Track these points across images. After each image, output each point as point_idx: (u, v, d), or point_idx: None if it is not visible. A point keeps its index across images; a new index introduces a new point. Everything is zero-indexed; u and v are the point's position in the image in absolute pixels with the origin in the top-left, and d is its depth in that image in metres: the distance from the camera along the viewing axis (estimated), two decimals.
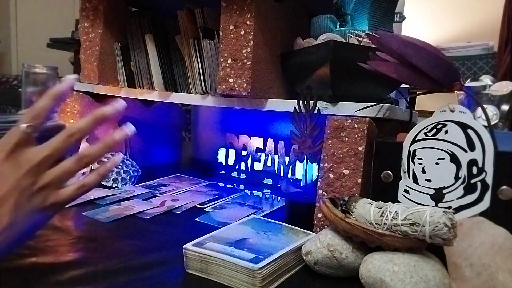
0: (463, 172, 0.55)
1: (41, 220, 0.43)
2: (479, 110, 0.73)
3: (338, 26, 0.84)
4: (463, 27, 2.49)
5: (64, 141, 0.43)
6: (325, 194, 0.67)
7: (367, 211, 0.53)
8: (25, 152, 0.41)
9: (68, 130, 0.44)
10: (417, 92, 1.39)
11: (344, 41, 0.76)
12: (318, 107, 0.70)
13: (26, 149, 0.41)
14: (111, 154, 0.70)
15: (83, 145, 0.96)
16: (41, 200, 0.42)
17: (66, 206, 0.77)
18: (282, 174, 1.08)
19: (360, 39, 0.75)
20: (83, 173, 0.91)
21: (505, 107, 0.79)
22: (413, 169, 0.60)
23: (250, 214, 0.79)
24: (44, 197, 0.42)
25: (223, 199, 0.92)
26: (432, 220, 0.47)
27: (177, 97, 0.97)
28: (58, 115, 0.49)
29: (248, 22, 0.77)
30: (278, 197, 0.97)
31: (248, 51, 0.78)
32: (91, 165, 0.94)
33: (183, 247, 0.54)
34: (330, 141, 0.68)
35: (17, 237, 0.41)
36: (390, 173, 0.62)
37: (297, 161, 0.77)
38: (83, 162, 0.44)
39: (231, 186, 1.06)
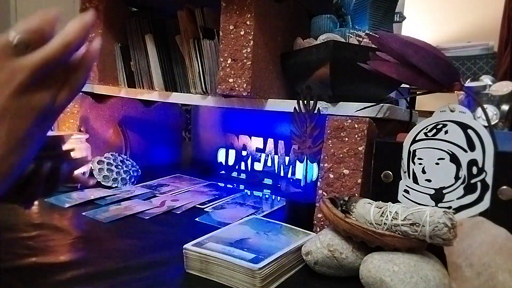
0: (463, 172, 0.55)
1: (37, 140, 0.37)
2: (479, 110, 0.73)
3: (338, 26, 0.84)
4: (463, 27, 2.49)
5: (58, 50, 0.35)
6: (325, 194, 0.67)
7: (367, 211, 0.53)
8: (11, 63, 0.33)
9: (62, 36, 0.35)
10: (417, 92, 1.39)
11: (344, 41, 0.76)
12: (318, 107, 0.70)
13: (12, 61, 0.33)
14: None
15: (83, 145, 0.96)
16: (36, 120, 0.35)
17: (66, 206, 0.78)
18: (282, 174, 1.08)
19: (360, 39, 0.75)
20: (83, 173, 0.91)
21: (505, 107, 0.79)
22: (413, 169, 0.60)
23: (250, 214, 0.79)
24: (38, 115, 0.35)
25: (223, 199, 0.92)
26: (432, 220, 0.47)
27: (177, 97, 0.97)
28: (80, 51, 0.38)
29: (248, 22, 0.77)
30: (278, 197, 0.97)
31: (248, 51, 0.78)
32: (90, 167, 0.94)
33: (183, 247, 0.54)
34: (330, 141, 0.68)
35: (14, 170, 0.35)
36: (390, 173, 0.62)
37: (297, 161, 0.77)
38: (68, 47, 0.35)
39: (231, 186, 1.06)
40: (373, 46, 0.66)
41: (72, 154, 0.52)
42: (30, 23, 0.35)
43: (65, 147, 0.51)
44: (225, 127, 1.27)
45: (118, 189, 0.93)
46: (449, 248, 0.48)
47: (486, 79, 0.86)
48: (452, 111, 0.59)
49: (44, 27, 0.35)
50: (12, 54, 0.33)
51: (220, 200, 0.91)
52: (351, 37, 0.77)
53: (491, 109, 0.79)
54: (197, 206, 0.85)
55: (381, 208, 0.52)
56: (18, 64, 0.33)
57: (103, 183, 0.93)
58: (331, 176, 0.67)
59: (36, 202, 0.80)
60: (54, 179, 0.46)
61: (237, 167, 1.18)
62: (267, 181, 1.10)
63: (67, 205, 0.79)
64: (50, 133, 0.49)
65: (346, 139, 0.66)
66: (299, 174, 1.05)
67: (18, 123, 0.34)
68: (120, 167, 0.99)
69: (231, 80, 0.80)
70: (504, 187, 0.52)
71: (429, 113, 0.62)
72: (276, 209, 0.86)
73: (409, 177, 0.60)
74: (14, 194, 0.46)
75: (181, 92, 0.97)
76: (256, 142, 1.14)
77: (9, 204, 0.48)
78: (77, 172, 0.52)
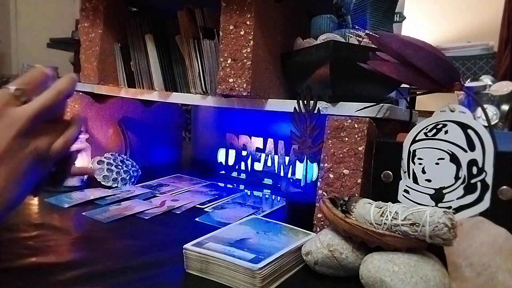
0: (463, 172, 0.55)
1: (35, 178, 0.42)
2: (479, 110, 0.72)
3: (338, 26, 0.84)
4: (463, 27, 2.49)
5: (53, 98, 0.41)
6: (325, 194, 0.67)
7: (367, 211, 0.53)
8: (13, 111, 0.39)
9: (56, 86, 0.42)
10: (417, 92, 1.39)
11: (344, 41, 0.76)
12: (318, 107, 0.70)
13: (14, 109, 0.39)
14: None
15: (83, 145, 0.96)
16: (33, 162, 0.40)
17: (66, 206, 0.78)
18: (282, 174, 1.08)
19: (360, 39, 0.75)
20: (82, 181, 0.91)
21: (505, 107, 0.79)
22: (413, 169, 0.60)
23: (250, 214, 0.79)
24: (36, 158, 0.40)
25: (223, 199, 0.92)
26: (432, 220, 0.47)
27: (177, 97, 0.97)
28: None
29: (248, 22, 0.77)
30: (278, 197, 0.97)
31: (248, 51, 0.78)
32: (90, 167, 0.94)
33: (183, 247, 0.54)
34: (330, 141, 0.68)
35: (10, 204, 0.39)
36: (390, 173, 0.62)
37: (297, 161, 0.77)
38: (61, 95, 0.42)
39: (231, 186, 1.06)
40: (373, 46, 0.66)
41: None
42: (26, 77, 0.41)
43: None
44: (225, 127, 1.27)
45: (118, 189, 0.93)
46: (449, 248, 0.48)
47: (486, 79, 0.86)
48: (452, 111, 0.59)
49: (37, 80, 0.42)
50: (13, 104, 0.39)
51: (220, 200, 0.91)
52: (351, 37, 0.77)
53: (491, 109, 0.79)
54: (197, 206, 0.85)
55: (381, 208, 0.52)
56: (19, 111, 0.39)
57: (103, 183, 0.93)
58: (331, 176, 0.67)
59: (36, 202, 0.80)
60: (62, 171, 0.49)
61: (237, 167, 1.18)
62: (267, 181, 1.10)
63: (67, 205, 0.79)
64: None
65: (346, 139, 0.66)
66: (299, 174, 1.05)
67: (17, 164, 0.39)
68: (120, 167, 0.99)
69: (231, 80, 0.80)
70: (504, 187, 0.52)
71: (429, 113, 0.62)
72: (276, 209, 0.86)
73: (409, 177, 0.60)
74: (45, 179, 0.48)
75: (181, 92, 0.97)
76: (256, 142, 1.15)
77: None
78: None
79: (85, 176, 0.92)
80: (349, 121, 0.66)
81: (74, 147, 0.47)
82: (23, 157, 0.39)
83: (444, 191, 0.57)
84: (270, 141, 1.11)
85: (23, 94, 0.40)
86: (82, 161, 0.94)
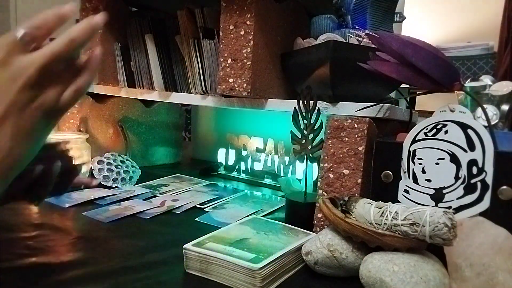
0: (463, 172, 0.55)
1: (43, 134, 0.38)
2: (479, 110, 0.72)
3: (338, 26, 0.84)
4: (463, 27, 2.49)
5: (64, 46, 0.36)
6: (325, 194, 0.67)
7: (367, 211, 0.53)
8: (19, 60, 0.34)
9: (68, 33, 0.36)
10: (417, 92, 1.39)
11: (344, 41, 0.76)
12: (318, 107, 0.70)
13: (20, 57, 0.35)
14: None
15: (83, 145, 0.96)
16: (42, 116, 0.36)
17: (66, 206, 0.78)
18: (282, 174, 1.08)
19: (360, 39, 0.75)
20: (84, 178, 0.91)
21: (505, 107, 0.79)
22: (413, 169, 0.60)
23: (250, 214, 0.79)
24: (45, 112, 0.36)
25: (223, 199, 0.92)
26: (432, 220, 0.47)
27: (177, 97, 0.97)
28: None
29: (248, 22, 0.77)
30: (278, 197, 0.97)
31: (248, 51, 0.78)
32: (90, 167, 0.94)
33: (183, 247, 0.54)
34: (330, 141, 0.68)
35: (17, 164, 0.36)
36: (390, 173, 0.62)
37: (297, 161, 0.77)
38: (73, 43, 0.36)
39: (231, 186, 1.06)
40: (373, 46, 0.66)
41: (70, 153, 0.53)
42: (34, 20, 0.36)
43: (63, 146, 0.52)
44: (225, 127, 1.27)
45: (118, 189, 0.93)
46: (449, 248, 0.48)
47: (486, 79, 0.86)
48: (452, 111, 0.59)
49: (47, 23, 0.36)
50: (20, 51, 0.35)
51: (220, 200, 0.91)
52: (351, 37, 0.77)
53: (491, 109, 0.79)
54: (197, 206, 0.85)
55: (381, 208, 0.52)
56: (27, 60, 0.34)
57: (103, 183, 0.93)
58: (331, 176, 0.67)
59: None
60: (65, 180, 0.48)
61: (237, 167, 1.18)
62: (267, 181, 1.10)
63: (67, 205, 0.79)
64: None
65: (346, 139, 0.66)
66: (299, 174, 1.05)
67: (25, 118, 0.35)
68: (120, 167, 0.99)
69: (231, 80, 0.80)
70: (504, 187, 0.52)
71: (429, 113, 0.62)
72: (276, 209, 0.86)
73: (409, 177, 0.60)
74: (23, 192, 0.47)
75: (181, 92, 0.97)
76: (256, 142, 1.15)
77: (17, 202, 0.49)
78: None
79: (85, 176, 0.92)
80: (349, 121, 0.66)
81: (79, 160, 0.46)
82: (31, 112, 0.35)
83: (444, 191, 0.57)
84: (270, 141, 1.11)
85: (32, 39, 0.35)
86: (81, 160, 0.94)
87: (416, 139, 0.60)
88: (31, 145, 0.37)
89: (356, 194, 0.64)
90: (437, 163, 0.57)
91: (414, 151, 0.60)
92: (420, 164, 0.59)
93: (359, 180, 0.65)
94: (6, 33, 0.35)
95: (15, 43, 0.35)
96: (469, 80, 0.89)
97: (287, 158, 1.07)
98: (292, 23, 0.91)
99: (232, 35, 0.79)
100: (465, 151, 0.55)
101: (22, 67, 0.34)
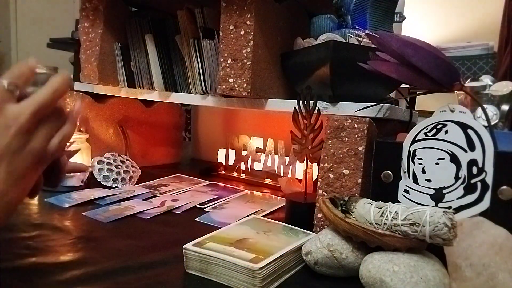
0: (463, 172, 0.55)
1: (32, 179, 0.41)
2: (479, 110, 0.72)
3: (338, 26, 0.84)
4: (463, 27, 2.49)
5: (50, 96, 0.40)
6: (325, 194, 0.67)
7: (367, 211, 0.53)
8: (10, 109, 0.38)
9: (51, 84, 0.41)
10: (417, 92, 1.39)
11: (344, 41, 0.76)
12: (318, 107, 0.70)
13: (10, 106, 0.38)
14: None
15: (83, 145, 0.96)
16: (31, 161, 0.39)
17: (66, 206, 0.78)
18: (282, 174, 1.08)
19: (360, 39, 0.75)
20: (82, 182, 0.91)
21: (505, 107, 0.79)
22: (413, 169, 0.60)
23: (250, 214, 0.79)
24: (34, 157, 0.39)
25: (223, 199, 0.92)
26: (432, 220, 0.47)
27: (177, 97, 0.97)
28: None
29: (248, 22, 0.77)
30: (278, 197, 0.97)
31: (248, 51, 0.78)
32: (85, 177, 0.94)
33: (183, 247, 0.54)
34: (330, 141, 0.68)
35: (10, 203, 0.39)
36: (390, 173, 0.62)
37: (297, 161, 0.77)
38: (56, 94, 0.41)
39: (231, 186, 1.06)
40: (373, 46, 0.66)
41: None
42: (15, 71, 0.40)
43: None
44: (225, 127, 1.27)
45: (118, 189, 0.93)
46: (449, 248, 0.48)
47: (486, 79, 0.86)
48: (452, 111, 0.59)
49: (26, 74, 0.41)
50: (9, 99, 0.38)
51: (220, 200, 0.91)
52: (351, 37, 0.77)
53: (491, 109, 0.79)
54: (197, 206, 0.85)
55: (381, 208, 0.52)
56: (18, 108, 0.38)
57: (103, 183, 0.93)
58: (331, 176, 0.67)
59: (36, 202, 0.80)
60: (56, 170, 0.48)
61: (237, 167, 1.18)
62: (267, 181, 1.10)
63: (67, 205, 0.79)
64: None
65: (346, 139, 0.66)
66: (299, 174, 1.05)
67: (18, 162, 0.38)
68: (120, 167, 0.99)
69: (231, 80, 0.80)
70: (504, 187, 0.52)
71: (429, 113, 0.62)
72: (276, 209, 0.86)
73: (409, 177, 0.60)
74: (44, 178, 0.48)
75: (181, 92, 0.97)
76: (256, 142, 1.15)
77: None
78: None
79: (85, 176, 0.92)
80: (349, 121, 0.66)
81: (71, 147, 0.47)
82: (23, 157, 0.38)
83: (444, 191, 0.57)
84: (270, 141, 1.11)
85: (16, 88, 0.39)
86: (81, 161, 0.94)
87: (416, 139, 0.60)
88: (22, 189, 0.40)
89: (356, 194, 0.64)
90: (437, 163, 0.57)
91: (414, 151, 0.60)
92: (420, 164, 0.59)
93: (359, 180, 0.65)
94: None
95: (3, 92, 0.38)
96: (469, 80, 0.89)
97: (287, 158, 1.07)
98: (292, 23, 0.91)
99: (232, 35, 0.79)
100: (465, 151, 0.55)
101: (14, 114, 0.38)
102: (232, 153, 1.19)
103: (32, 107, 0.38)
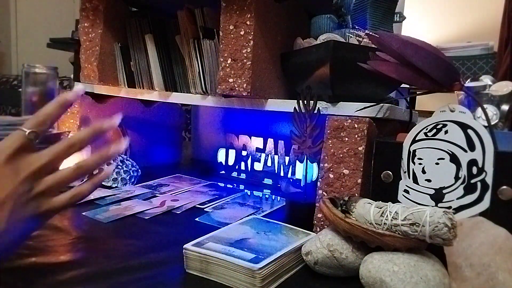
0: (463, 172, 0.55)
1: (33, 226, 0.44)
2: (479, 110, 0.72)
3: (338, 26, 0.84)
4: (463, 27, 2.49)
5: (64, 150, 0.44)
6: (325, 194, 0.67)
7: (367, 211, 0.53)
8: (26, 157, 0.41)
9: (69, 140, 0.45)
10: (417, 92, 1.39)
11: (344, 41, 0.76)
12: (318, 107, 0.70)
13: (27, 155, 0.41)
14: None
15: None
16: (36, 207, 0.42)
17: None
18: (282, 174, 1.08)
19: (360, 39, 0.75)
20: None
21: (505, 107, 0.79)
22: (413, 169, 0.60)
23: (250, 214, 0.79)
24: (39, 204, 0.42)
25: (223, 199, 0.92)
26: (432, 220, 0.47)
27: (177, 97, 0.97)
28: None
29: (248, 22, 0.77)
30: (278, 197, 0.96)
31: (248, 51, 0.78)
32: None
33: (183, 247, 0.54)
34: (330, 141, 0.68)
35: (9, 244, 0.41)
36: (390, 173, 0.62)
37: (297, 161, 0.77)
38: (80, 172, 0.46)
39: (231, 186, 1.06)
40: (373, 46, 0.66)
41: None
42: (39, 115, 0.44)
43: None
44: (225, 127, 1.27)
45: (118, 189, 0.93)
46: (449, 248, 0.48)
47: (486, 79, 0.86)
48: (452, 111, 0.59)
49: (51, 117, 0.44)
50: (28, 150, 0.42)
51: (220, 200, 0.91)
52: (351, 37, 0.77)
53: (491, 109, 0.79)
54: (197, 206, 0.85)
55: (381, 208, 0.52)
56: (33, 158, 0.42)
57: (103, 183, 0.93)
58: (331, 176, 0.67)
59: None
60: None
61: (237, 167, 1.18)
62: (267, 181, 1.10)
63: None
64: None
65: (346, 139, 0.66)
66: (299, 174, 1.05)
67: (20, 207, 0.40)
68: (120, 167, 0.99)
69: (231, 80, 0.80)
70: (504, 187, 0.52)
71: (429, 113, 0.62)
72: (276, 209, 0.86)
73: (409, 177, 0.60)
74: None
75: (181, 92, 0.97)
76: (256, 142, 1.14)
77: None
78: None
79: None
80: (349, 121, 0.66)
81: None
82: (26, 202, 0.41)
83: (444, 191, 0.57)
84: (270, 141, 1.11)
85: (36, 137, 0.42)
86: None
87: (416, 139, 0.60)
88: (23, 232, 0.42)
89: (356, 194, 0.64)
90: (437, 163, 0.57)
91: (414, 151, 0.60)
92: (420, 164, 0.59)
93: (359, 180, 0.65)
94: (16, 132, 0.41)
95: (23, 139, 0.41)
96: (469, 80, 0.89)
97: (287, 158, 1.07)
98: (292, 23, 0.91)
99: (232, 35, 0.79)
100: (465, 151, 0.55)
101: (27, 163, 0.41)
102: (232, 153, 1.19)
103: (45, 159, 0.42)
